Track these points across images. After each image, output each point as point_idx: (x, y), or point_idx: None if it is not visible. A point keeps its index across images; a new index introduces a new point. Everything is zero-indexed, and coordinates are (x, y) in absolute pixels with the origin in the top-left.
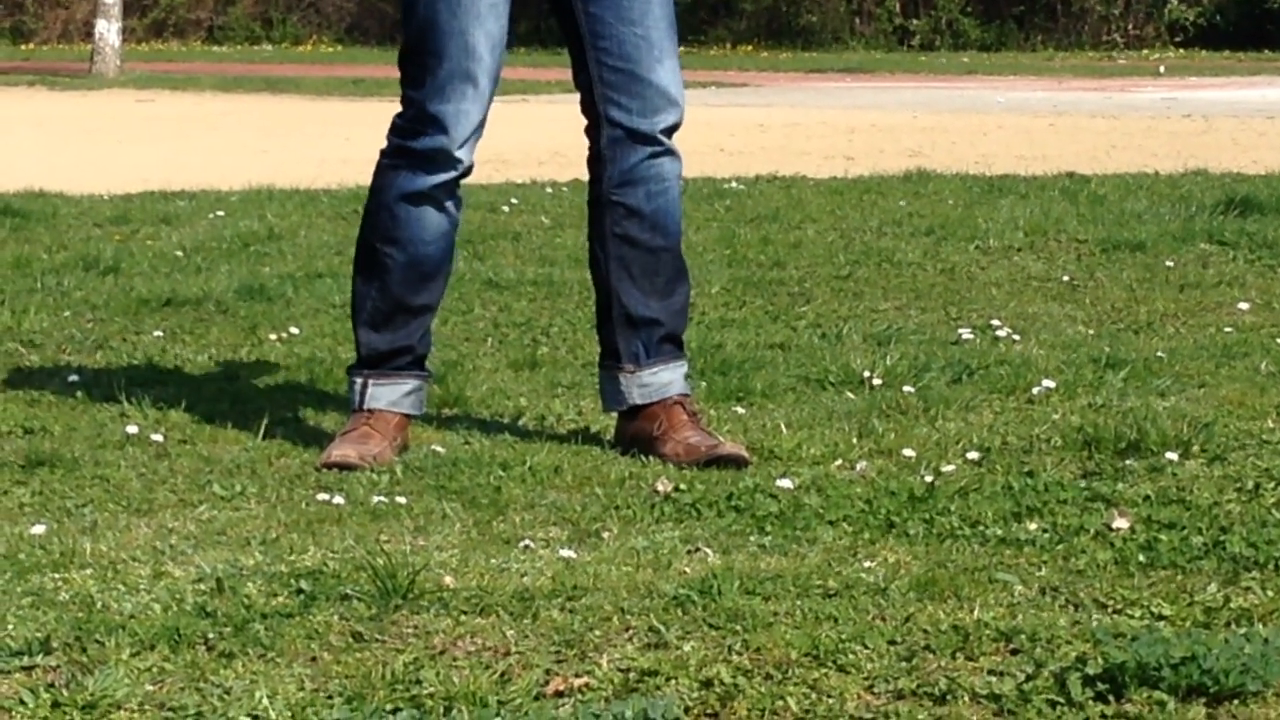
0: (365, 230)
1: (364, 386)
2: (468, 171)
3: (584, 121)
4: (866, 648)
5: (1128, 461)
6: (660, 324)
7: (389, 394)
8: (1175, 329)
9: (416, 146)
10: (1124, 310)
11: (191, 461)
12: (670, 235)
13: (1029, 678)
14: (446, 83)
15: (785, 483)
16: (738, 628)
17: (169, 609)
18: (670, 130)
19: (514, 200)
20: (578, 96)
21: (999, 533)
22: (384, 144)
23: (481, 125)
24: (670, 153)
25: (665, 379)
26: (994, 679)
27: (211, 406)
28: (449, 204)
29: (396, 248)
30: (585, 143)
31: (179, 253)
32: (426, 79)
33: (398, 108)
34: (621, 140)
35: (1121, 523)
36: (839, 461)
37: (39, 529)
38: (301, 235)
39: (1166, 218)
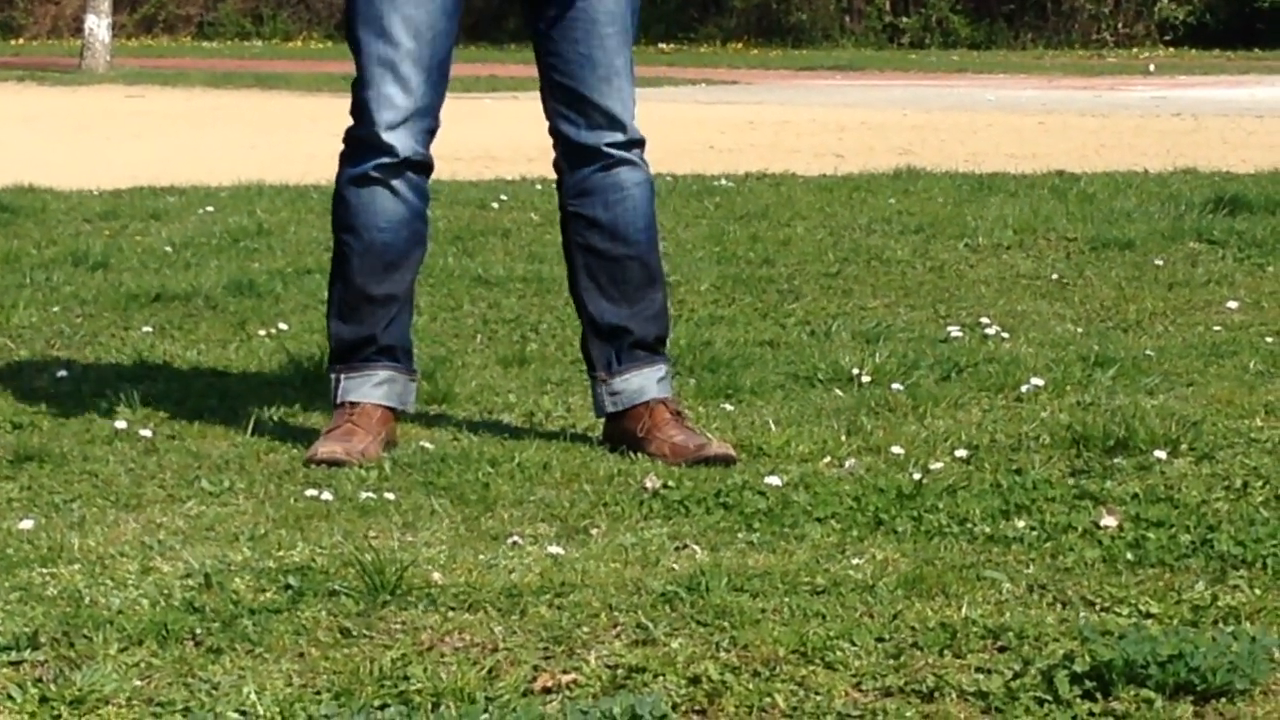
0: (332, 222)
1: (337, 381)
2: (417, 163)
3: None
4: (854, 645)
5: (1116, 460)
6: (629, 331)
7: (359, 385)
8: (1164, 327)
9: (354, 132)
10: (1113, 308)
11: (180, 457)
12: (634, 242)
13: (1016, 675)
14: (367, 68)
15: (773, 480)
16: (725, 624)
17: (157, 604)
18: (620, 145)
19: (503, 196)
20: None
21: (987, 530)
22: None
23: (424, 114)
24: (626, 162)
25: (637, 385)
26: (981, 676)
27: (200, 402)
28: (403, 190)
29: (353, 235)
30: None
31: (168, 248)
32: (357, 66)
33: None
34: (571, 153)
35: (1109, 521)
36: (827, 459)
37: (27, 524)
38: (291, 231)
39: (1155, 216)
